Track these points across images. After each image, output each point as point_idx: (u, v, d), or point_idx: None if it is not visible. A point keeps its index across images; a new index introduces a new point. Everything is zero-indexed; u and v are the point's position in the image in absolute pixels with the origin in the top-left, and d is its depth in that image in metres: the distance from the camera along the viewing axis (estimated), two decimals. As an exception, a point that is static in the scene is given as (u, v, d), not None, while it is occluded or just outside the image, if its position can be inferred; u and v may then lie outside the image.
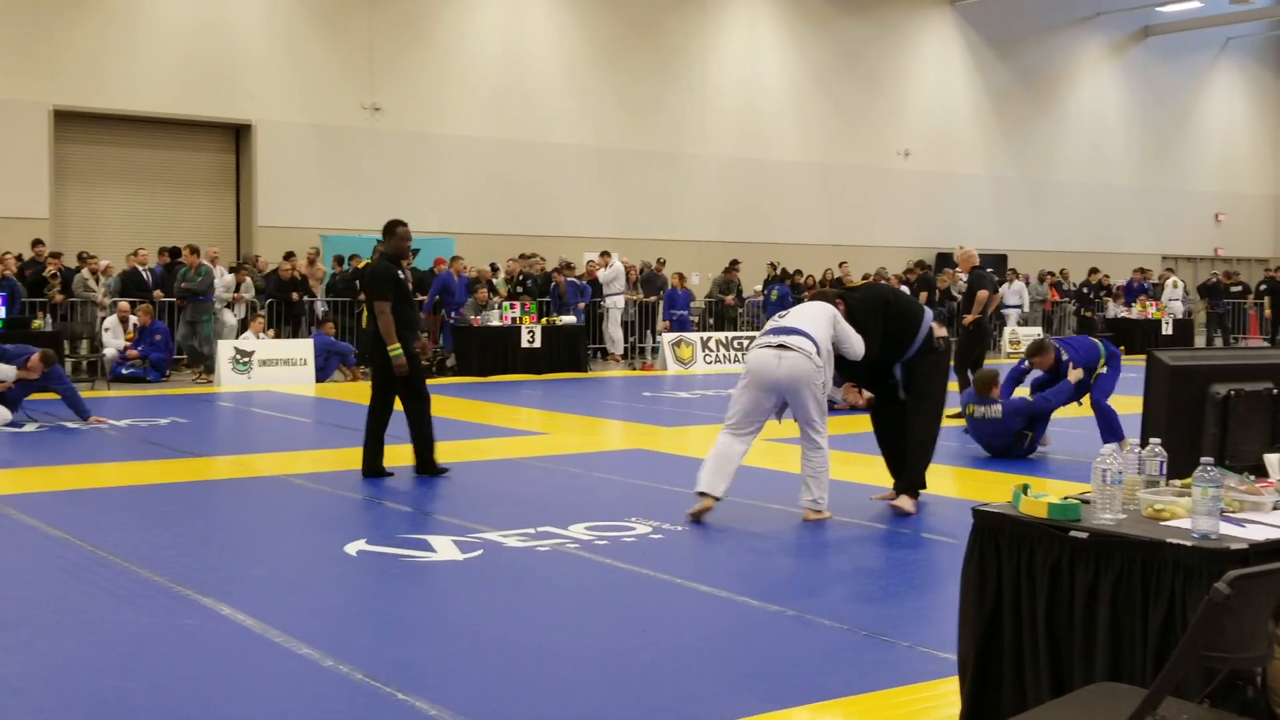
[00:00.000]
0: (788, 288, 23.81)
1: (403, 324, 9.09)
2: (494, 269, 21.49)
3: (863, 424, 11.86)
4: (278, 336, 18.44)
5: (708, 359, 20.65)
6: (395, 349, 8.92)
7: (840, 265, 26.02)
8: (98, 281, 18.34)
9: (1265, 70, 38.12)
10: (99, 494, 8.68)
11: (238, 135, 22.52)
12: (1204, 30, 35.33)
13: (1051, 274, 28.80)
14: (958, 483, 9.35)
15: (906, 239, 29.55)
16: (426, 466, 9.24)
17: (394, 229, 9.34)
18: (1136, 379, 4.43)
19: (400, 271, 9.35)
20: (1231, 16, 34.15)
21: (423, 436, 9.23)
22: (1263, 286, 27.79)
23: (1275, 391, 4.13)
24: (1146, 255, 33.48)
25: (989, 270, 15.48)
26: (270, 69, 22.18)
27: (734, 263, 24.41)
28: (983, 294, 13.44)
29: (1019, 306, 25.50)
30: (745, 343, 21.54)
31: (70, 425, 12.16)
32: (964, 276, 15.14)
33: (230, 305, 19.01)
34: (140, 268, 18.56)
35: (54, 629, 5.26)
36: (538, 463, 10.09)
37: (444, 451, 10.81)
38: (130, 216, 21.59)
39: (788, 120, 28.33)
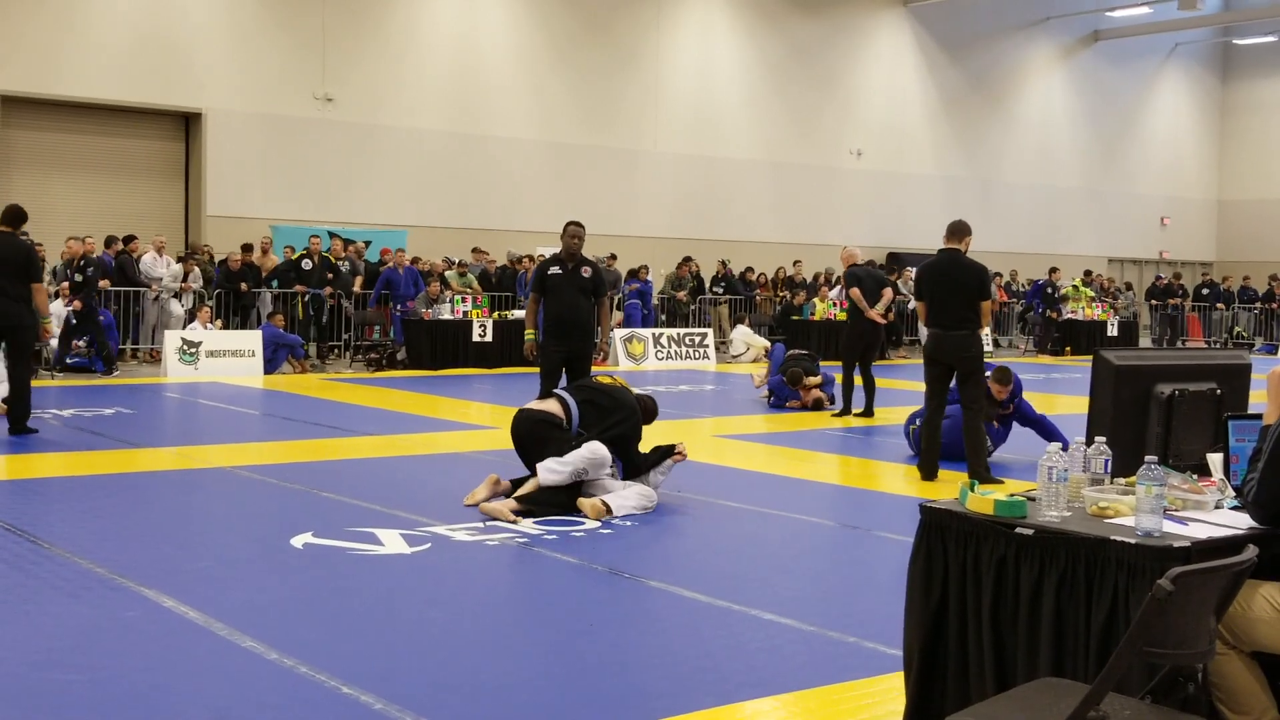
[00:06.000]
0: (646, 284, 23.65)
1: (547, 319, 9.78)
2: (449, 263, 21.36)
3: (816, 421, 11.90)
4: (225, 328, 18.25)
5: (659, 355, 20.65)
6: (528, 334, 10.09)
7: (795, 264, 26.11)
8: (43, 269, 18.05)
9: (1211, 76, 38.65)
10: (41, 484, 8.55)
11: (187, 124, 22.25)
12: (1152, 36, 35.75)
13: (999, 275, 29.04)
14: (905, 481, 9.41)
15: (858, 238, 29.65)
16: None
17: (565, 228, 10.14)
18: (1083, 379, 4.47)
19: (556, 268, 9.88)
20: (1179, 22, 34.62)
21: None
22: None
23: (1218, 392, 4.19)
24: (1093, 257, 33.85)
25: (872, 263, 14.99)
26: (221, 57, 21.92)
27: (686, 259, 24.41)
28: (855, 291, 12.91)
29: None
30: (697, 339, 21.57)
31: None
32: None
33: (178, 295, 18.79)
34: (88, 256, 18.26)
35: (-8, 621, 5.18)
36: (488, 456, 10.04)
37: (394, 445, 10.77)
38: (78, 204, 21.27)
39: (741, 118, 28.38)
